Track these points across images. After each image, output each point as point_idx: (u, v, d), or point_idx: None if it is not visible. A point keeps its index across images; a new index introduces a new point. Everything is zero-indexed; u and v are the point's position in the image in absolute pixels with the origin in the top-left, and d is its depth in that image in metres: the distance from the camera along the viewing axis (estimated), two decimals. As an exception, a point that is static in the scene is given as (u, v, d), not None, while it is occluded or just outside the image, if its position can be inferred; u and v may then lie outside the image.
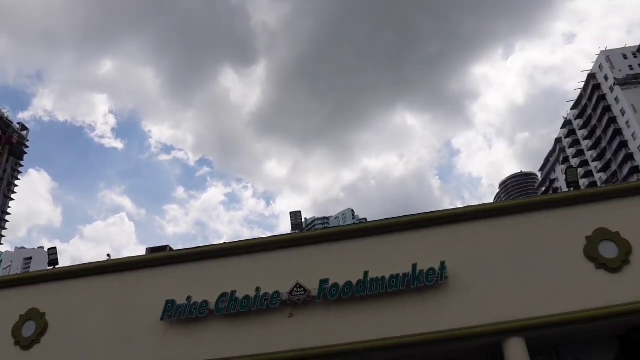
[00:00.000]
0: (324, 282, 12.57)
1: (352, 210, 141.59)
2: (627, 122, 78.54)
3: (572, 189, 13.80)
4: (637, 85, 79.48)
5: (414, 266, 12.46)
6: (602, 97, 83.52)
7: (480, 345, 12.75)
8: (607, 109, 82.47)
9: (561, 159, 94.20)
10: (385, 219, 13.81)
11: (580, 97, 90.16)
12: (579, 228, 12.84)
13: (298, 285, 12.67)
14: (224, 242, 14.27)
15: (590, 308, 11.97)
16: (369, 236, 13.53)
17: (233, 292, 12.85)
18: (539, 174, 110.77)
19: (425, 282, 12.37)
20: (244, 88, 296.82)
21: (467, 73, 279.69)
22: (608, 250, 12.48)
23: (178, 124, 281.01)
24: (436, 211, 13.83)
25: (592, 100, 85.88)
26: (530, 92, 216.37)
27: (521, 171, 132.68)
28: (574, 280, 12.36)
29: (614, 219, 12.86)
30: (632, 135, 77.16)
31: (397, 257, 12.83)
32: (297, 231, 14.96)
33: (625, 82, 79.33)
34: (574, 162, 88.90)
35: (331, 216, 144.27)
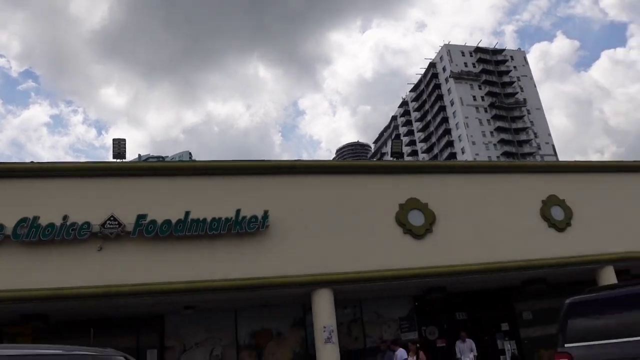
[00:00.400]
0: (141, 217, 11.83)
1: (190, 153, 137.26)
2: (453, 113, 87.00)
3: (394, 158, 14.82)
4: (467, 81, 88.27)
5: (238, 212, 12.35)
6: (438, 86, 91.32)
7: (293, 294, 13.25)
8: (440, 97, 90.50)
9: (394, 135, 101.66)
10: (213, 160, 13.38)
11: (420, 82, 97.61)
12: (394, 195, 13.83)
13: (112, 218, 11.75)
14: (31, 162, 12.59)
15: (394, 268, 13.06)
16: (194, 175, 12.97)
17: (36, 218, 11.44)
18: (372, 146, 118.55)
19: (247, 229, 12.34)
20: (89, 0, 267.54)
21: (324, 37, 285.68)
22: (416, 218, 13.67)
23: (3, 25, 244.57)
24: (265, 160, 13.80)
25: (429, 87, 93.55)
26: (378, 69, 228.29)
27: (358, 141, 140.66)
28: (384, 242, 13.33)
29: (424, 191, 14.08)
30: (456, 125, 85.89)
31: (221, 200, 12.56)
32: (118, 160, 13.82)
33: (458, 77, 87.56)
34: (405, 140, 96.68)
35: (167, 156, 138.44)
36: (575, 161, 16.74)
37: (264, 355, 15.14)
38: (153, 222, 11.83)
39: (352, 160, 14.19)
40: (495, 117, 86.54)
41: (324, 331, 12.41)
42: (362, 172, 13.97)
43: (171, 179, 12.84)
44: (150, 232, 11.79)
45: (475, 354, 12.85)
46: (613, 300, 6.63)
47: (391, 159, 14.70)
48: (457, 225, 14.03)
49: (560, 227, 15.04)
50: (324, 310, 12.61)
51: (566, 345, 6.51)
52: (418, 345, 10.31)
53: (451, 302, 17.25)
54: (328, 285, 12.64)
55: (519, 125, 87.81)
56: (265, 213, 12.52)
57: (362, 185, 13.82)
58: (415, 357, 9.96)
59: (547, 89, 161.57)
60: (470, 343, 13.10)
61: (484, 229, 14.30)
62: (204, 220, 12.14)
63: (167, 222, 11.89)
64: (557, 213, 15.22)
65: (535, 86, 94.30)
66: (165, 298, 12.26)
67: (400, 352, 10.21)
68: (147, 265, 11.90)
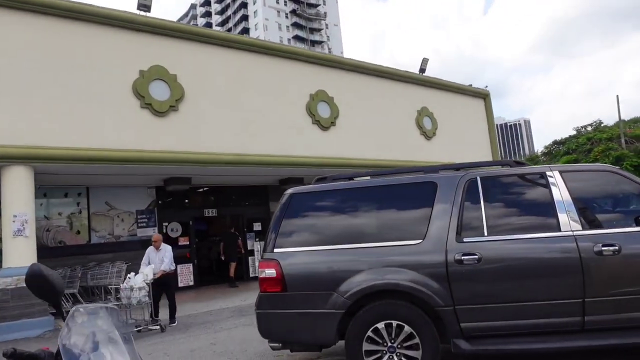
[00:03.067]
0: None
1: None
2: (254, 12, 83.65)
3: (142, 11, 11.63)
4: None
5: None
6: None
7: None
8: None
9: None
10: None
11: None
12: (135, 58, 10.90)
13: None
14: None
15: (122, 149, 10.48)
16: None
17: None
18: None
19: None
20: None
21: None
22: (159, 91, 11.05)
23: None
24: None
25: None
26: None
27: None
28: (114, 115, 10.51)
29: (174, 60, 11.44)
30: (255, 25, 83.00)
31: None
32: None
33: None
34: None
35: None
36: (349, 58, 15.58)
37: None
38: None
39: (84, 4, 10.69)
40: (295, 25, 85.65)
41: (14, 221, 9.44)
42: (95, 21, 10.45)
43: None
44: None
45: (172, 267, 9.32)
46: (342, 193, 5.08)
47: (137, 12, 11.52)
48: (211, 107, 11.88)
49: (324, 125, 14.00)
50: (16, 195, 9.52)
51: (276, 250, 4.80)
52: None
53: (200, 196, 15.53)
54: (24, 161, 9.49)
55: (316, 37, 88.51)
56: None
57: (94, 40, 10.46)
58: None
59: (347, 10, 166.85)
60: (167, 251, 9.29)
61: (243, 115, 12.44)
62: None
63: None
64: (324, 110, 14.11)
65: (337, 2, 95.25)
66: None
67: None
68: None
